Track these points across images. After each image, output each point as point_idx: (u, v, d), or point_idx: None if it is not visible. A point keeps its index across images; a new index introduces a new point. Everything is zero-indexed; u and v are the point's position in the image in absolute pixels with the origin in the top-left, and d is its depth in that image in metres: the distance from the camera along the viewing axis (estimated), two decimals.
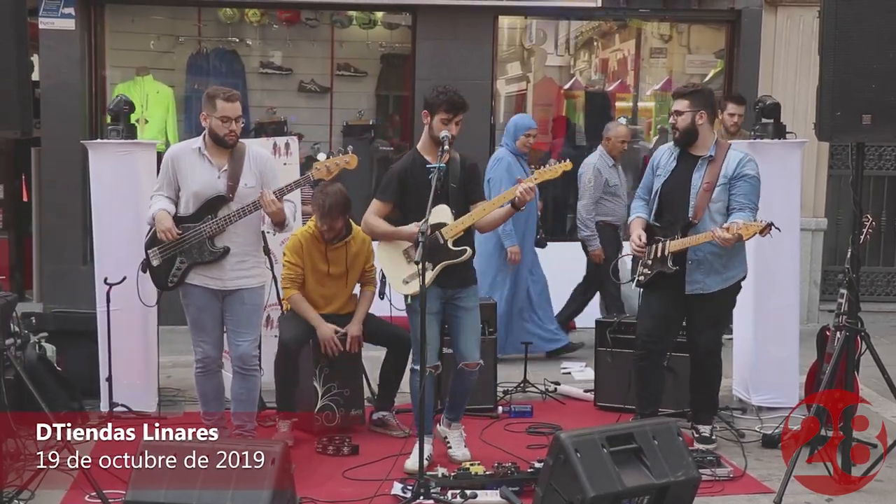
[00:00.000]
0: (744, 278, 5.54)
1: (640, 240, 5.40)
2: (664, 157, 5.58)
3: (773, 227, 5.14)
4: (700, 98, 5.42)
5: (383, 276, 5.44)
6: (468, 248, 5.15)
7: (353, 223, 5.90)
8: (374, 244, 5.58)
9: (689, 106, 5.37)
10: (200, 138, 5.18)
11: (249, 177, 5.13)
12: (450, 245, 5.13)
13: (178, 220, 5.10)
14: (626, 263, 5.90)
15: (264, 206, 5.00)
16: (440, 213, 5.13)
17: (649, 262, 5.43)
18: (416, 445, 4.88)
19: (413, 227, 5.01)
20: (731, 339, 6.72)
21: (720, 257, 5.34)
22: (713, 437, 5.59)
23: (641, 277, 5.50)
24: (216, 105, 5.05)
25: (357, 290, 6.04)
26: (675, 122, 5.43)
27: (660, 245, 5.38)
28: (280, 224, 5.15)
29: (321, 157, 5.16)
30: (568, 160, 5.25)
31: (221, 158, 5.12)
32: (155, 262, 5.18)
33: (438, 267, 5.10)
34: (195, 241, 5.07)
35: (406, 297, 5.19)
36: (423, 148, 5.20)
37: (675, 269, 5.34)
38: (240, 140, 5.23)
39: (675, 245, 5.33)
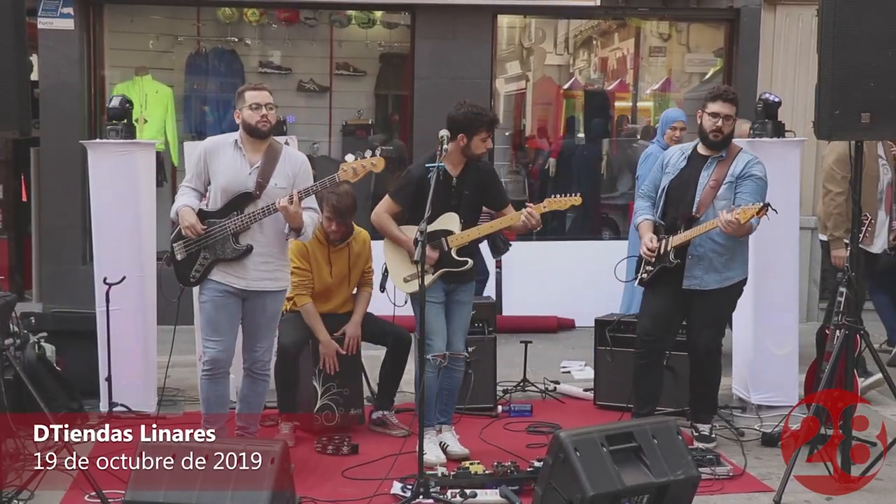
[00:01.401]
0: (744, 281, 5.54)
1: (653, 242, 5.40)
2: (675, 156, 5.59)
3: (769, 208, 5.15)
4: (737, 105, 5.47)
5: (385, 270, 5.46)
6: (469, 260, 5.26)
7: (353, 224, 5.90)
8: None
9: (736, 112, 5.42)
10: (237, 133, 5.10)
11: (281, 177, 5.03)
12: (453, 254, 5.23)
13: (205, 214, 5.01)
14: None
15: (280, 209, 4.86)
16: (448, 221, 5.23)
17: (652, 259, 5.44)
18: (428, 438, 5.13)
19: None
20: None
21: (721, 255, 5.34)
22: (713, 436, 5.59)
23: (644, 275, 5.51)
24: (245, 96, 5.01)
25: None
26: (722, 126, 5.37)
27: (663, 241, 5.40)
28: (297, 230, 5.03)
29: (349, 157, 5.02)
30: (578, 195, 5.32)
31: (256, 154, 5.03)
32: (179, 257, 5.08)
33: (438, 273, 5.20)
34: (219, 237, 4.98)
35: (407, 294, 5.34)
36: (447, 157, 5.21)
37: (677, 263, 5.35)
38: (277, 140, 5.20)
39: (677, 239, 5.34)
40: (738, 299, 5.61)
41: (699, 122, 5.51)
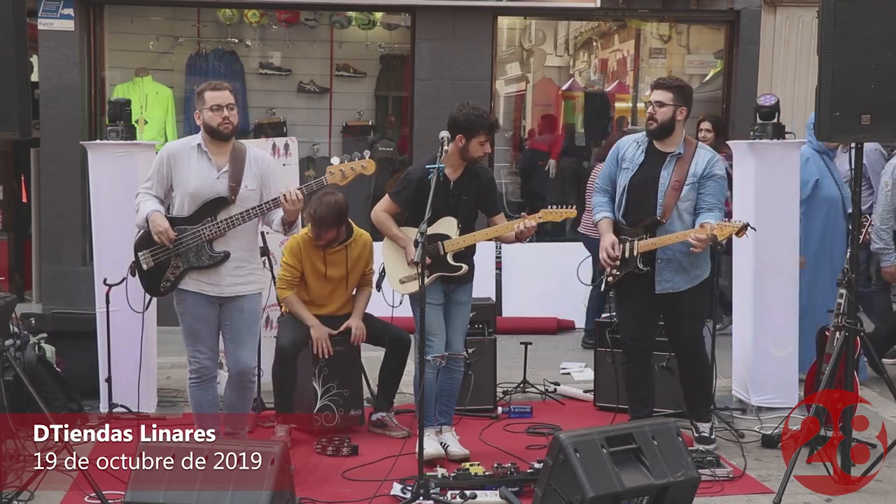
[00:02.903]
0: (709, 276, 5.54)
1: (614, 249, 5.34)
2: (630, 148, 5.48)
3: (749, 228, 5.16)
4: (683, 94, 5.36)
5: (383, 270, 5.48)
6: (464, 266, 5.27)
7: (354, 226, 5.88)
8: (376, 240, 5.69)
9: (673, 100, 5.30)
10: (199, 135, 4.97)
11: (250, 179, 4.94)
12: (449, 258, 5.25)
13: (172, 221, 4.87)
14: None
15: (289, 204, 4.77)
16: (446, 225, 5.25)
17: (617, 262, 5.40)
18: (427, 437, 5.13)
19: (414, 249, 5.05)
20: (730, 334, 6.72)
21: (687, 256, 5.30)
22: (713, 437, 5.58)
23: (611, 279, 5.46)
24: (205, 97, 4.87)
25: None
26: (655, 113, 5.31)
27: (627, 245, 5.35)
28: (290, 224, 4.96)
29: (335, 160, 4.92)
30: (574, 207, 5.37)
31: (222, 158, 4.92)
32: (146, 266, 4.96)
33: (433, 276, 5.20)
34: (193, 245, 4.86)
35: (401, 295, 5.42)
36: (447, 160, 5.22)
37: (647, 270, 5.32)
38: (240, 141, 5.12)
39: (645, 245, 5.30)
40: (706, 292, 5.59)
41: None
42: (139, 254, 4.98)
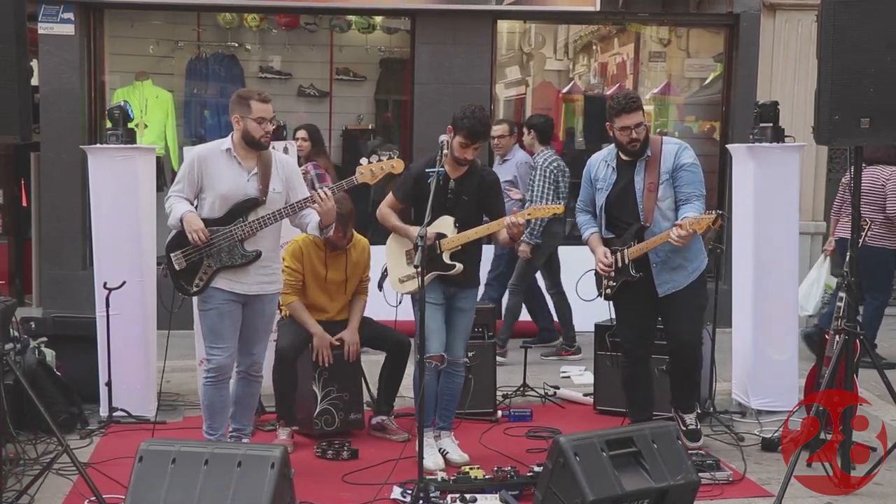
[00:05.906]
0: (706, 267, 5.52)
1: (607, 258, 5.36)
2: (600, 168, 5.49)
3: (722, 216, 5.20)
4: (642, 107, 5.40)
5: (385, 270, 5.48)
6: (458, 265, 5.25)
7: (353, 230, 5.90)
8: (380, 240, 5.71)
9: (643, 115, 5.34)
10: (228, 139, 5.04)
11: (277, 182, 5.03)
12: (444, 257, 5.25)
13: (204, 222, 4.92)
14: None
15: (322, 203, 4.85)
16: (443, 224, 5.25)
17: (612, 273, 5.40)
18: (427, 444, 5.12)
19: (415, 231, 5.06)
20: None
21: (679, 252, 5.29)
22: (699, 427, 5.50)
23: (608, 291, 5.46)
24: (251, 106, 4.92)
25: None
26: (636, 136, 5.27)
27: (618, 255, 5.35)
28: (327, 227, 5.01)
29: (363, 161, 5.00)
30: (561, 203, 5.37)
31: (250, 161, 5.00)
32: (178, 266, 4.99)
33: (430, 276, 5.19)
34: (225, 244, 4.93)
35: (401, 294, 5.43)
36: (449, 160, 5.23)
37: (640, 276, 5.32)
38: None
39: (633, 251, 5.30)
40: (706, 286, 5.57)
41: (611, 135, 5.41)
42: (172, 255, 5.02)
